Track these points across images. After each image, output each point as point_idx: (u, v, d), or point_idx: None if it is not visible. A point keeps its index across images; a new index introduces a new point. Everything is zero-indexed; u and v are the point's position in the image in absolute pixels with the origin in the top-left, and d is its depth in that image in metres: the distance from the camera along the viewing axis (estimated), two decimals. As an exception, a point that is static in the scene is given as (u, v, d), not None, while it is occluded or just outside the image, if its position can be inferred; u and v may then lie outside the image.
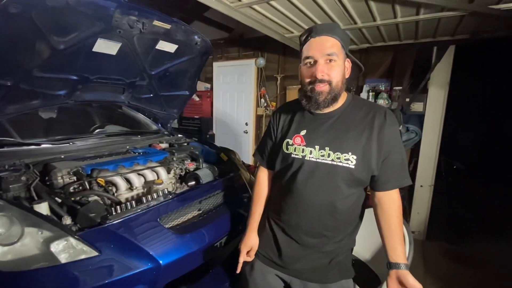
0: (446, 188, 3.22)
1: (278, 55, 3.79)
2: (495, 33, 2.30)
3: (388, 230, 0.91)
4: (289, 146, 0.98)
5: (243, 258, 1.06)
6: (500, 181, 3.25)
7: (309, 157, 0.92)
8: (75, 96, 1.68)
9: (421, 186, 2.81)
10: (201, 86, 4.44)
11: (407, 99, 2.83)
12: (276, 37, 2.58)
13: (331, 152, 0.90)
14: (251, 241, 1.07)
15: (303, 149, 0.94)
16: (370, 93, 3.18)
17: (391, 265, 0.88)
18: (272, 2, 1.81)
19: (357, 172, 0.88)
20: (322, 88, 0.87)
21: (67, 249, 0.93)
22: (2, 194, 1.12)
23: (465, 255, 2.51)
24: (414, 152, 2.97)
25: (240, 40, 3.91)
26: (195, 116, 4.35)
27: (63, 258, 0.90)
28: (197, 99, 4.42)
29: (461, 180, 3.32)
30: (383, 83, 3.18)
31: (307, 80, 0.91)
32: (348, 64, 0.94)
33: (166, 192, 1.29)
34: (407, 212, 2.89)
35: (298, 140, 0.96)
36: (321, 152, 0.91)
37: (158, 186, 1.39)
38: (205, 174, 1.64)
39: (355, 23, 2.17)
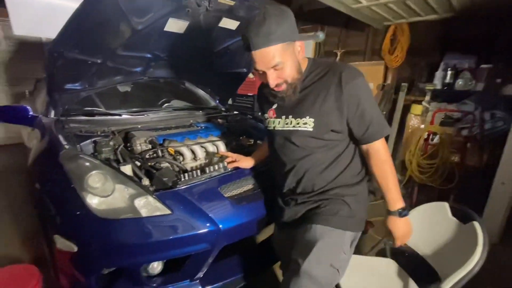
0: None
1: (340, 29, 3.51)
2: None
3: (381, 178, 0.96)
4: (266, 120, 1.09)
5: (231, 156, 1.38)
6: None
7: (277, 128, 1.03)
8: (148, 73, 1.88)
9: (503, 183, 2.41)
10: (256, 63, 4.43)
11: (498, 80, 2.37)
12: (341, 8, 2.38)
13: (293, 120, 0.98)
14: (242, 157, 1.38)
15: (273, 121, 1.05)
16: (449, 72, 2.76)
17: (388, 212, 0.99)
18: (342, -30, 1.65)
19: (316, 134, 0.94)
20: (280, 88, 0.94)
21: (147, 206, 1.09)
22: (96, 156, 1.37)
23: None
24: (498, 144, 2.53)
25: (299, 12, 3.72)
26: (249, 94, 4.42)
27: (144, 212, 1.07)
28: (251, 76, 4.45)
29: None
30: (466, 60, 2.71)
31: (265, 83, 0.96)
32: (300, 44, 0.93)
33: (226, 165, 1.38)
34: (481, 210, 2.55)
35: (271, 113, 1.06)
36: (286, 121, 1.00)
37: (218, 159, 1.50)
38: (260, 150, 1.70)
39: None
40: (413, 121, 2.87)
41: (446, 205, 1.25)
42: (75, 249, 1.04)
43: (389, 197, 0.97)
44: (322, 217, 0.97)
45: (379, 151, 0.95)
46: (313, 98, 0.93)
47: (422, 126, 2.81)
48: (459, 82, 2.65)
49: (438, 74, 2.81)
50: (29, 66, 4.46)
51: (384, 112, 3.11)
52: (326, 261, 0.92)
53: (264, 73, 0.90)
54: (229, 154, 1.41)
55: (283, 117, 1.01)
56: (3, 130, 4.58)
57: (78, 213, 1.05)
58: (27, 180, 2.60)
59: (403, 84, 3.08)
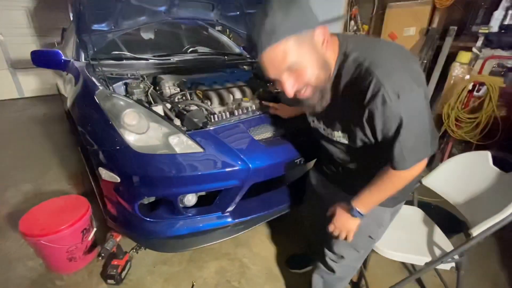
0: None
1: (382, -39, 3.03)
2: None
3: (378, 182, 0.81)
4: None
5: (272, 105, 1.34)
6: None
7: (314, 125, 0.94)
8: (173, 13, 1.78)
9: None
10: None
11: None
12: None
13: (325, 126, 0.88)
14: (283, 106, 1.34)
15: (308, 116, 0.95)
16: (510, 12, 2.35)
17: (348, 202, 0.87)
18: None
19: (354, 145, 0.81)
20: (304, 94, 0.73)
21: (180, 144, 1.13)
22: (129, 96, 1.40)
23: None
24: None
25: None
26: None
27: (178, 149, 1.12)
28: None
29: None
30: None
31: None
32: (322, 31, 0.68)
33: (254, 109, 1.37)
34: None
35: None
36: (319, 125, 0.90)
37: (245, 104, 1.48)
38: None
39: None
40: (457, 70, 2.58)
41: (488, 154, 1.19)
42: (118, 179, 1.13)
43: (363, 195, 0.83)
44: None
45: (399, 177, 0.77)
46: (345, 112, 0.77)
47: (467, 76, 2.52)
48: (524, 24, 2.27)
49: (497, 14, 2.40)
50: (55, 15, 4.47)
51: (425, 61, 2.81)
52: (365, 234, 0.95)
53: (280, 82, 0.71)
54: (271, 104, 1.36)
55: (319, 119, 0.90)
56: (39, 82, 4.83)
57: (118, 148, 1.11)
58: (68, 123, 2.80)
59: (451, 27, 2.70)
